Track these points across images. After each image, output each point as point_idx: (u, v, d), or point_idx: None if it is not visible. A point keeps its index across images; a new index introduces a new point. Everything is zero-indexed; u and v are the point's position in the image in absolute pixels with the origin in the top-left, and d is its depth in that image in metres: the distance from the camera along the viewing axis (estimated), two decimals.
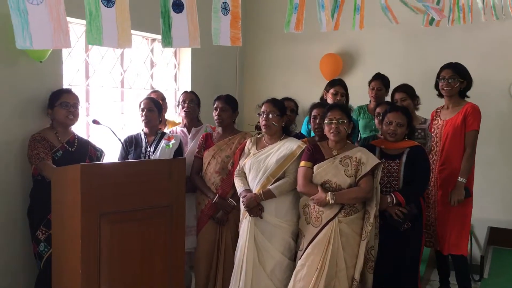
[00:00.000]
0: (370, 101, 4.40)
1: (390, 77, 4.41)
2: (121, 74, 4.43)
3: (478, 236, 4.82)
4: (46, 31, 1.25)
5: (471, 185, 3.71)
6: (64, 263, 2.69)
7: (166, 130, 4.08)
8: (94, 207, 2.53)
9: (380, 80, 4.29)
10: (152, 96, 4.06)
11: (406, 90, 3.97)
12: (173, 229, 2.86)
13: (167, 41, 1.64)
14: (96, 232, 2.54)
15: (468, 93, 3.80)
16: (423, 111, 4.08)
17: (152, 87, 4.77)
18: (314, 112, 3.58)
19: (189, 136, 3.97)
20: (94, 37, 1.37)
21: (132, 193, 2.70)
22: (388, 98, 4.25)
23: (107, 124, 3.54)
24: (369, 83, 4.35)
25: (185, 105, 3.95)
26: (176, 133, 3.97)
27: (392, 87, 4.22)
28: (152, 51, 4.78)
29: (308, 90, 5.10)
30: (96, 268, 2.55)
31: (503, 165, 4.76)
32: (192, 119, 4.02)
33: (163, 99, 4.26)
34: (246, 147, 3.55)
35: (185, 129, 4.02)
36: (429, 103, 4.12)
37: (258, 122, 5.38)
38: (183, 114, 3.98)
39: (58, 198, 2.74)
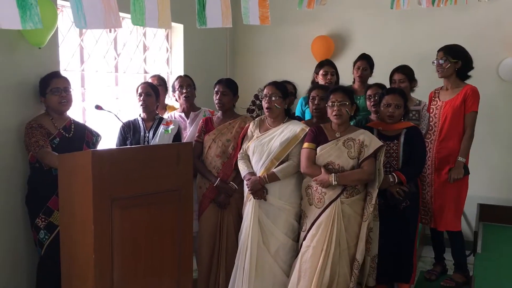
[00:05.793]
0: (354, 82, 4.43)
1: (381, 59, 4.45)
2: (115, 58, 4.35)
3: (467, 213, 4.94)
4: (97, 11, 1.21)
5: (467, 164, 3.81)
6: (74, 252, 2.66)
7: (166, 115, 4.03)
8: (106, 192, 2.51)
9: (365, 60, 4.33)
10: (153, 80, 4.00)
11: (406, 71, 4.02)
12: (181, 213, 2.86)
13: (202, 21, 1.61)
14: (108, 217, 2.52)
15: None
16: (414, 93, 4.13)
17: (145, 71, 4.71)
18: (313, 93, 3.59)
19: (188, 121, 3.93)
20: (137, 17, 1.34)
21: (142, 178, 2.67)
22: (382, 79, 4.28)
23: (110, 110, 3.48)
24: (354, 63, 4.39)
25: (184, 90, 3.89)
26: (174, 118, 3.93)
27: (383, 68, 4.26)
28: (144, 34, 4.71)
29: (299, 73, 5.09)
30: (109, 254, 2.53)
31: (491, 144, 4.88)
32: (191, 104, 3.99)
33: (165, 82, 4.20)
34: (249, 130, 3.55)
35: (183, 114, 3.98)
36: (419, 85, 4.16)
37: (250, 105, 5.35)
38: (183, 99, 3.92)
39: (66, 185, 2.69)
